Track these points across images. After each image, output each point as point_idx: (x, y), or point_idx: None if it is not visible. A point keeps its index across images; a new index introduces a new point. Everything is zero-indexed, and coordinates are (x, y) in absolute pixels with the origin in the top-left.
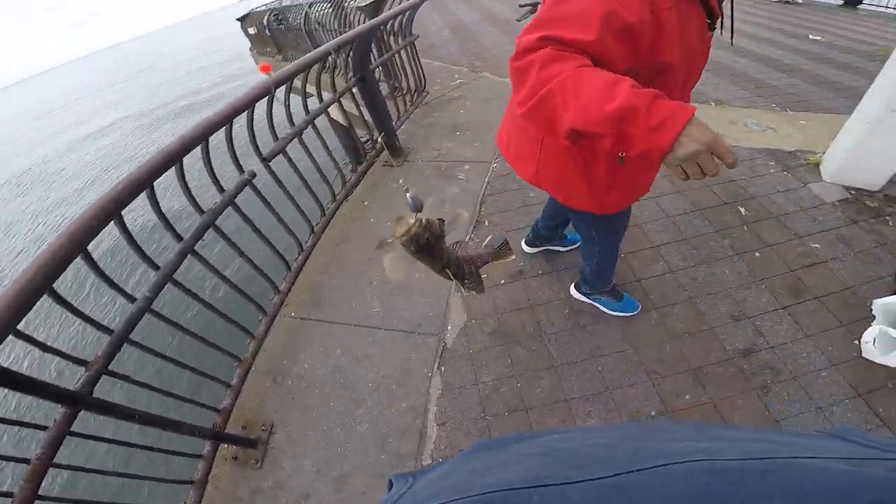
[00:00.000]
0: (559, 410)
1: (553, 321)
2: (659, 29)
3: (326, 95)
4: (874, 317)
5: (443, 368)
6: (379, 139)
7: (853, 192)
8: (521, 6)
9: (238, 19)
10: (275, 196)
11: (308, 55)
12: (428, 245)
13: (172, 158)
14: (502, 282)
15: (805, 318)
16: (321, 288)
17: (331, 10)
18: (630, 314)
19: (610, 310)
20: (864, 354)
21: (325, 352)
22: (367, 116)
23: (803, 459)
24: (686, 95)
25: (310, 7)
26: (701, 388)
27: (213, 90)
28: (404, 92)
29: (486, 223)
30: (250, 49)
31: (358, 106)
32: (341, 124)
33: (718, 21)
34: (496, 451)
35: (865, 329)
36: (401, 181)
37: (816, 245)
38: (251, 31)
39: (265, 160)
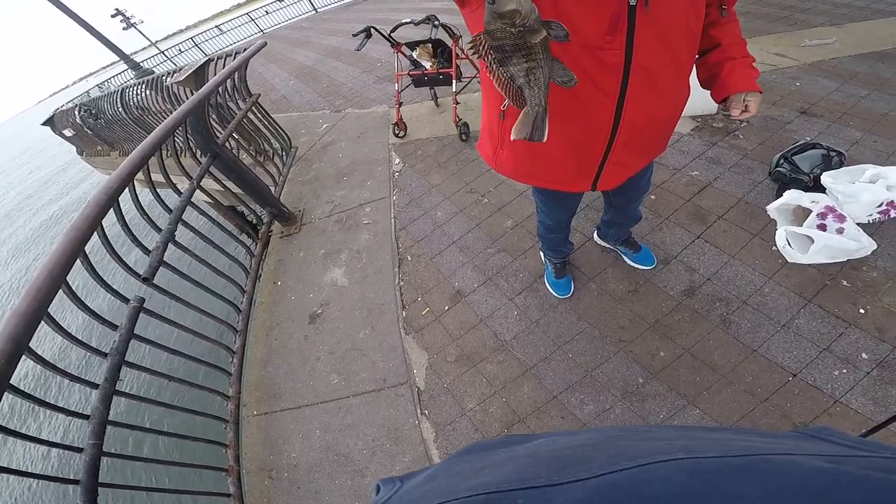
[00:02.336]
0: (553, 409)
1: (507, 327)
2: None
3: (186, 182)
4: (775, 221)
5: (427, 412)
6: (264, 214)
7: (699, 119)
8: (354, 35)
9: (44, 124)
10: (180, 311)
11: (135, 152)
12: (523, 32)
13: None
14: (446, 308)
15: (721, 240)
16: (272, 379)
17: (150, 91)
18: (561, 296)
19: (547, 281)
20: (788, 259)
21: (305, 436)
22: (241, 192)
23: (781, 456)
24: (589, 62)
25: (122, 94)
26: (670, 342)
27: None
28: (271, 155)
29: (409, 258)
30: (78, 153)
31: (223, 184)
32: (220, 204)
33: None
34: (484, 455)
35: (774, 233)
36: None
37: (696, 172)
38: (68, 133)
39: (146, 280)
